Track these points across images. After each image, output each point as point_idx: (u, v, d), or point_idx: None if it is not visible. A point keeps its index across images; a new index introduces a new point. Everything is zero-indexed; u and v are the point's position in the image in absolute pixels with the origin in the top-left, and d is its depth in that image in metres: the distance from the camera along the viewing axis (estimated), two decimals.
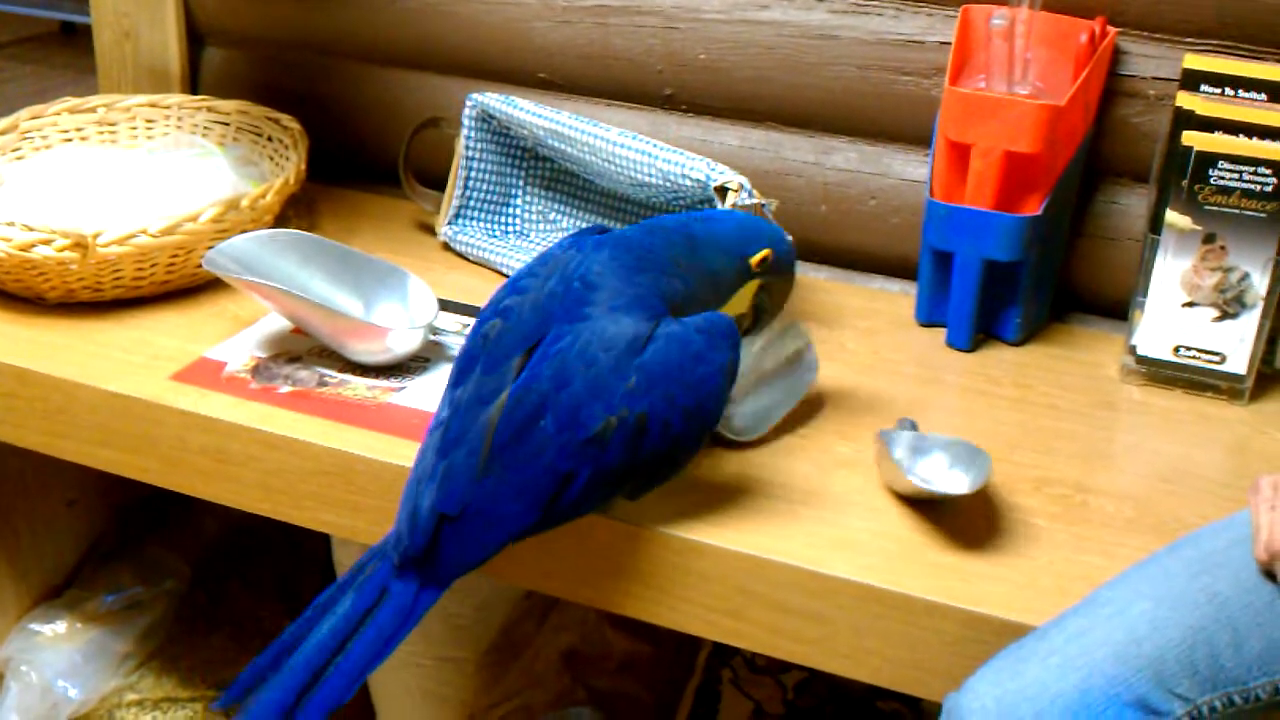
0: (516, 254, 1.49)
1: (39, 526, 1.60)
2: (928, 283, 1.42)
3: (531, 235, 1.57)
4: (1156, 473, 1.19)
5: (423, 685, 1.60)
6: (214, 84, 1.78)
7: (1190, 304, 1.30)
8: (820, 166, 1.53)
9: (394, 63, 1.69)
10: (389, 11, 1.66)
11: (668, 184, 1.36)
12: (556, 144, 1.45)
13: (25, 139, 1.58)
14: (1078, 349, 1.40)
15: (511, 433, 1.01)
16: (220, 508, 1.29)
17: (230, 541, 1.74)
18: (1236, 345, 1.29)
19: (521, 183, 1.57)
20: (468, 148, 1.52)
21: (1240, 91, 1.28)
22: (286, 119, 1.59)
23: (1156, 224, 1.30)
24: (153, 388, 1.25)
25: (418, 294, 1.34)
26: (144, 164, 1.54)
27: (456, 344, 1.34)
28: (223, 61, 1.78)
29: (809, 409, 1.25)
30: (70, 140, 1.61)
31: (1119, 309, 1.41)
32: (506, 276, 1.48)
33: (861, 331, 1.41)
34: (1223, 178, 1.25)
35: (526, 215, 1.58)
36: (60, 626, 1.56)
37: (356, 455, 1.17)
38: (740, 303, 1.15)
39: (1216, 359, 1.30)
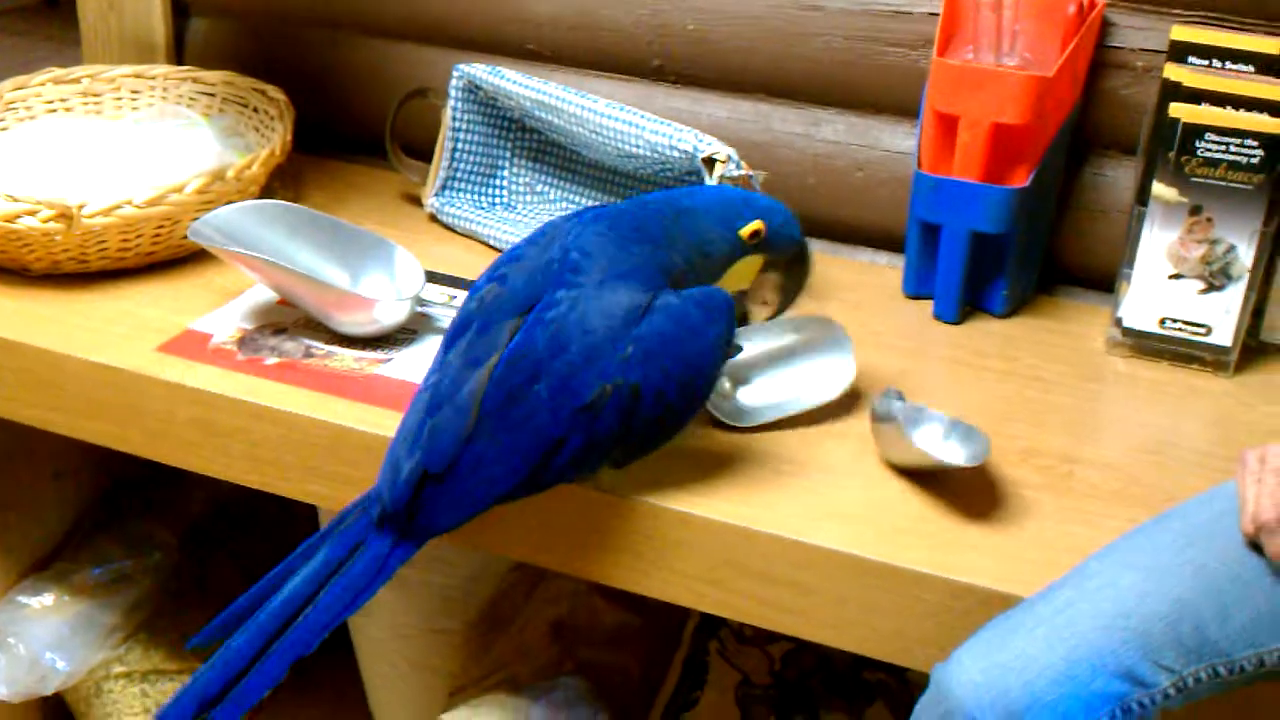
0: (504, 225, 1.48)
1: (26, 499, 1.60)
2: (915, 255, 1.42)
3: (519, 207, 1.57)
4: (1142, 444, 1.20)
5: (410, 657, 1.60)
6: (199, 55, 1.77)
7: (1176, 276, 1.30)
8: (809, 138, 1.52)
9: (380, 33, 1.68)
10: None
11: (655, 155, 1.36)
12: (544, 115, 1.44)
13: (9, 110, 1.57)
14: (1065, 321, 1.40)
15: (504, 396, 1.01)
16: (207, 479, 1.29)
17: (217, 513, 1.74)
18: (1222, 317, 1.29)
19: (509, 154, 1.57)
20: (454, 119, 1.51)
21: (1227, 63, 1.28)
22: (272, 90, 1.58)
23: (1143, 196, 1.30)
24: (139, 359, 1.25)
25: (404, 266, 1.34)
26: (129, 135, 1.53)
27: (444, 315, 1.33)
28: (208, 32, 1.77)
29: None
30: (55, 111, 1.60)
31: (1106, 281, 1.41)
32: (494, 248, 1.48)
33: (849, 304, 1.41)
34: (1210, 150, 1.25)
35: (514, 187, 1.57)
36: (48, 599, 1.56)
37: (343, 426, 1.17)
38: (740, 279, 1.15)
39: (1202, 331, 1.30)
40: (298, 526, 1.72)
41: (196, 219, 1.30)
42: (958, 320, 1.39)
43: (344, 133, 1.72)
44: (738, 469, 1.13)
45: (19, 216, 1.30)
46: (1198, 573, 0.93)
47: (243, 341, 1.28)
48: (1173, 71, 1.28)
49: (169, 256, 1.41)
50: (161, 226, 1.37)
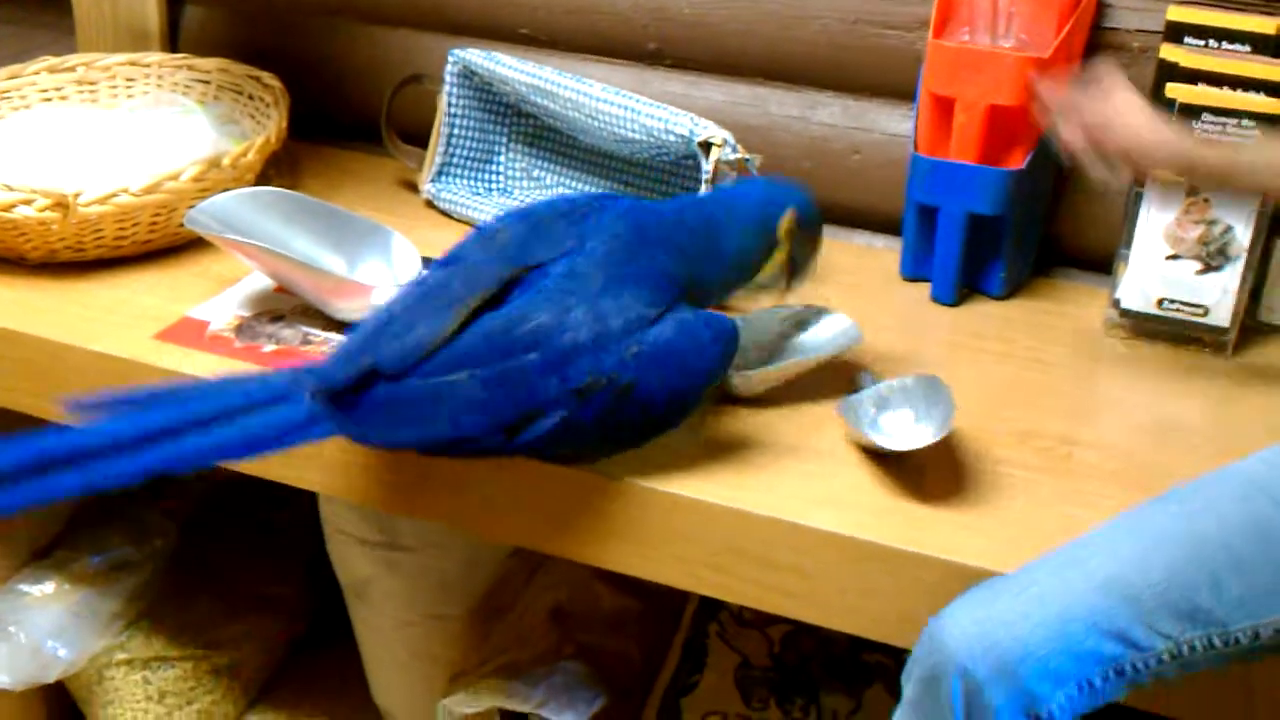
0: (500, 210, 1.48)
1: None
2: (912, 237, 1.42)
3: (515, 192, 1.57)
4: (1140, 425, 1.20)
5: (411, 644, 1.60)
6: (194, 42, 1.76)
7: (1174, 257, 1.30)
8: (805, 121, 1.52)
9: (376, 19, 1.68)
10: None
11: (651, 140, 1.35)
12: (540, 100, 1.44)
13: (4, 99, 1.57)
14: (1062, 303, 1.40)
15: (493, 349, 1.01)
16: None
17: (218, 501, 1.74)
18: (1220, 298, 1.29)
19: (505, 139, 1.56)
20: (450, 104, 1.51)
21: (1224, 44, 1.28)
22: (267, 77, 1.57)
23: (1140, 177, 1.30)
24: (136, 347, 1.25)
25: (401, 252, 1.34)
26: (124, 123, 1.53)
27: None
28: (203, 19, 1.77)
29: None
30: (50, 100, 1.60)
31: (1103, 263, 1.41)
32: None
33: (846, 287, 1.41)
34: (1207, 130, 1.25)
35: (510, 172, 1.57)
36: (49, 587, 1.56)
37: None
38: (771, 266, 1.16)
39: (1200, 312, 1.30)
40: (296, 513, 1.72)
41: (193, 207, 1.30)
42: (955, 302, 1.39)
43: (340, 119, 1.71)
44: (735, 453, 1.13)
45: (15, 206, 1.30)
46: (1195, 544, 0.94)
47: (240, 329, 1.28)
48: (1169, 52, 1.28)
49: (166, 244, 1.41)
50: (158, 214, 1.37)
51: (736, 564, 1.08)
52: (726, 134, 1.31)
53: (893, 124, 1.49)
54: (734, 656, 1.47)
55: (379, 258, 1.34)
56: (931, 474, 1.11)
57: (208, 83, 1.62)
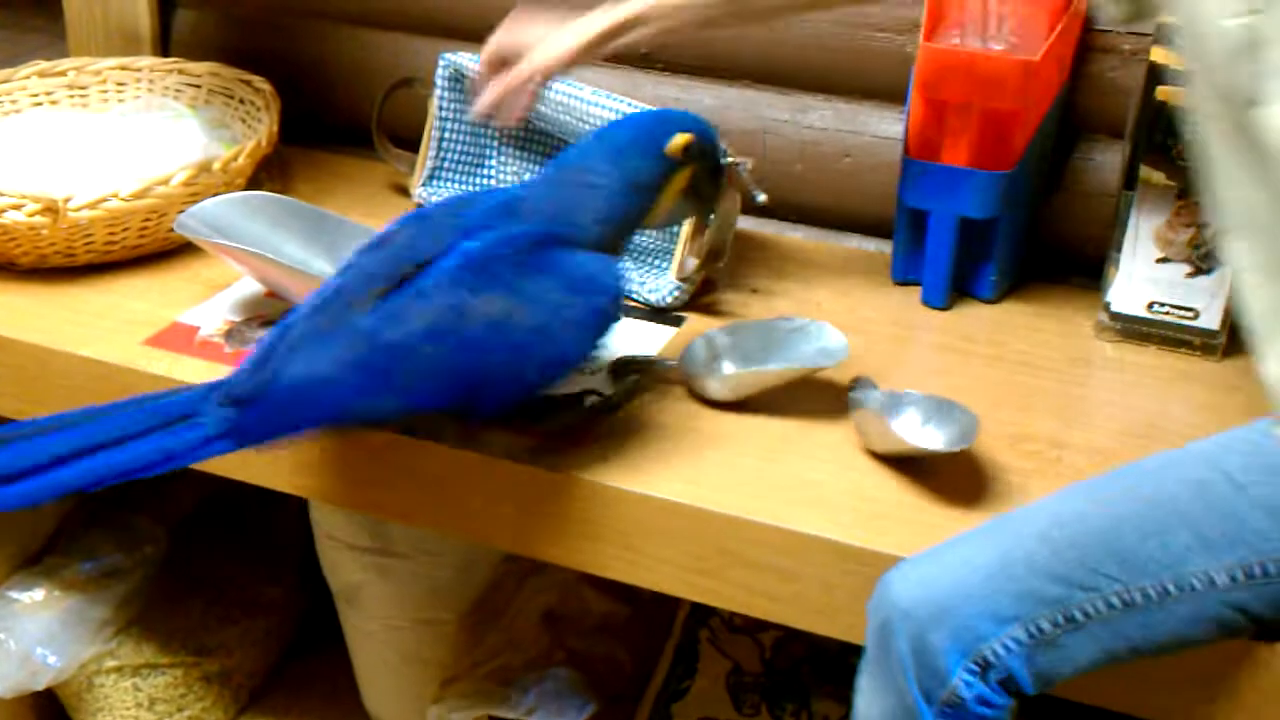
0: None
1: None
2: (903, 241, 1.41)
3: None
4: (1131, 429, 1.20)
5: (402, 648, 1.60)
6: (185, 46, 1.76)
7: (1164, 260, 1.30)
8: (796, 125, 1.52)
9: (366, 23, 1.68)
10: None
11: None
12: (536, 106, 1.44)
13: None
14: (1053, 306, 1.40)
15: (388, 305, 1.04)
16: (196, 472, 1.28)
17: (207, 507, 1.73)
18: (1210, 301, 1.29)
19: (496, 143, 1.56)
20: (441, 108, 1.51)
21: None
22: (258, 81, 1.57)
23: (1131, 180, 1.30)
24: (126, 352, 1.25)
25: None
26: (115, 127, 1.52)
27: None
28: (194, 23, 1.76)
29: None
30: (40, 104, 1.60)
31: (1094, 266, 1.41)
32: None
33: (837, 291, 1.41)
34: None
35: (501, 176, 1.57)
36: (38, 594, 1.56)
37: None
38: (669, 196, 1.13)
39: (1190, 315, 1.30)
40: (286, 519, 1.72)
41: (183, 211, 1.30)
42: (946, 306, 1.39)
43: (331, 123, 1.71)
44: (724, 458, 1.13)
45: (5, 210, 1.29)
46: (1141, 499, 0.94)
47: (229, 334, 1.28)
48: (1160, 54, 1.28)
49: (156, 249, 1.41)
50: (148, 219, 1.37)
51: (726, 569, 1.08)
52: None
53: (884, 127, 1.49)
54: (725, 662, 1.47)
55: None
56: (921, 478, 1.10)
57: (199, 87, 1.61)
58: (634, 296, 1.37)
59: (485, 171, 1.56)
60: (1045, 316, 1.38)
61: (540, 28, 1.24)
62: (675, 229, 1.34)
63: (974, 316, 1.38)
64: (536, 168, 1.56)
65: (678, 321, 1.34)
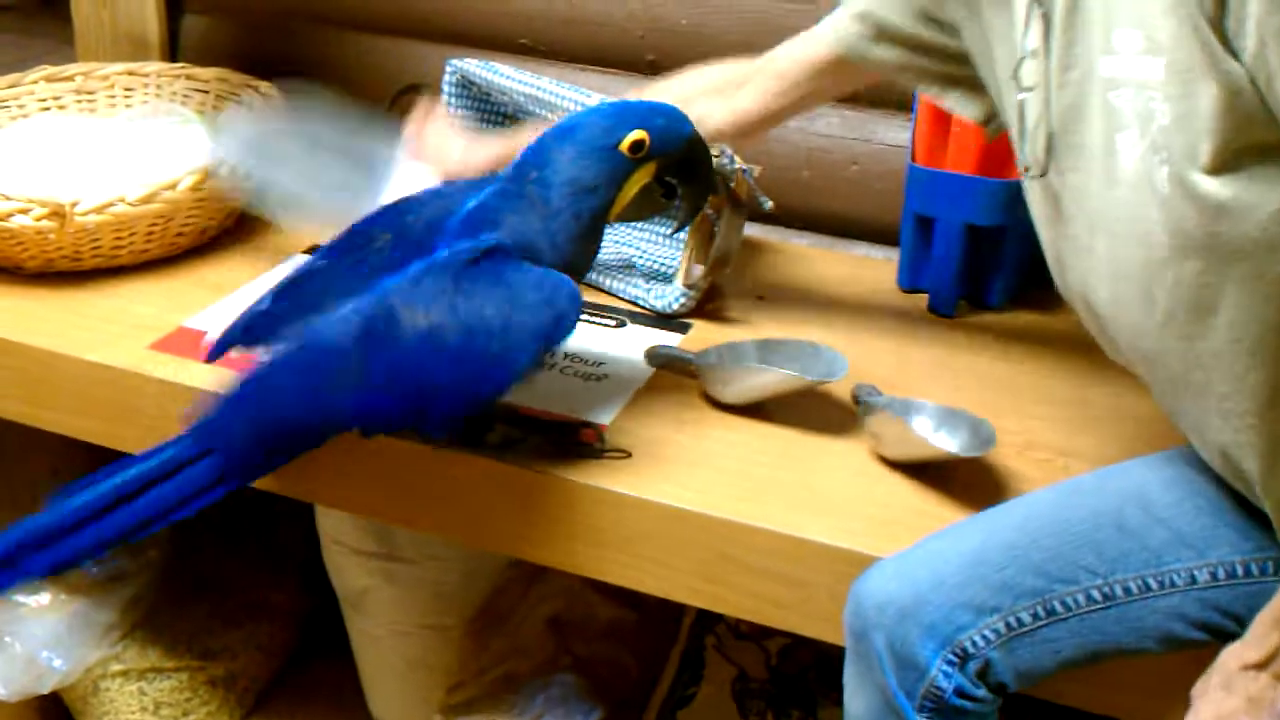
0: None
1: (22, 497, 1.59)
2: (910, 248, 1.41)
3: None
4: (1139, 436, 1.19)
5: (407, 653, 1.60)
6: (193, 51, 1.76)
7: None
8: (803, 132, 1.52)
9: (373, 28, 1.68)
10: None
11: None
12: (537, 110, 1.44)
13: (3, 108, 1.57)
14: (1060, 314, 1.40)
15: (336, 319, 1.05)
16: None
17: (214, 512, 1.73)
18: None
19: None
20: (448, 114, 1.51)
21: None
22: (266, 86, 1.57)
23: None
24: (132, 357, 1.25)
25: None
26: (122, 133, 1.53)
27: None
28: (202, 29, 1.77)
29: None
30: (48, 109, 1.60)
31: None
32: None
33: (844, 298, 1.41)
34: None
35: None
36: (44, 597, 1.56)
37: None
38: (630, 190, 1.10)
39: None
40: (292, 524, 1.72)
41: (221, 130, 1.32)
42: (953, 314, 1.39)
43: None
44: (731, 464, 1.13)
45: (12, 215, 1.30)
46: (1117, 494, 0.95)
47: None
48: None
49: (162, 254, 1.41)
50: (155, 224, 1.37)
51: (733, 575, 1.08)
52: (724, 145, 1.31)
53: (891, 134, 1.49)
54: (731, 669, 1.46)
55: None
56: (928, 485, 1.10)
57: (206, 92, 1.62)
58: (640, 303, 1.37)
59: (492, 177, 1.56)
60: (1053, 324, 1.38)
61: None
62: (680, 236, 1.34)
63: (981, 324, 1.38)
64: None
65: (684, 328, 1.34)
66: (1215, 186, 0.81)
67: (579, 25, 1.57)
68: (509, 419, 1.14)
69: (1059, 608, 0.91)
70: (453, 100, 1.50)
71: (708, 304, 1.37)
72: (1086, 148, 0.90)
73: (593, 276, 1.40)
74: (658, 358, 1.26)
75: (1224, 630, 0.94)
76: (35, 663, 1.52)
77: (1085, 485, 0.98)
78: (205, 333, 1.29)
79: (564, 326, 1.05)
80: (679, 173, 1.12)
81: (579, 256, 1.10)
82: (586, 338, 1.31)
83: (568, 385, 1.23)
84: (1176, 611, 0.93)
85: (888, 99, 1.48)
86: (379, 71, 1.67)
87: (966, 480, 1.11)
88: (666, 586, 1.11)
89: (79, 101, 1.61)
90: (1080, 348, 1.33)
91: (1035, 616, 0.90)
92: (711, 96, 1.20)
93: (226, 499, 1.12)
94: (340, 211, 1.20)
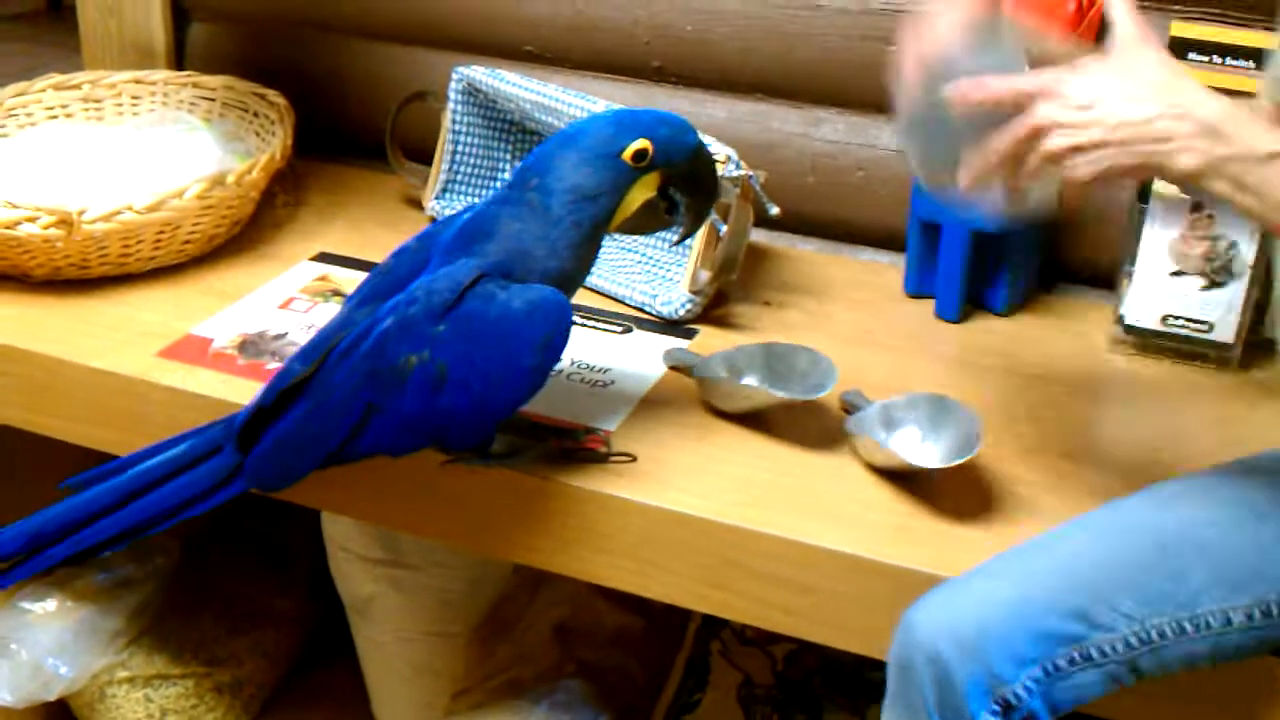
0: None
1: (28, 504, 1.60)
2: (916, 254, 1.41)
3: None
4: (1145, 442, 1.19)
5: (413, 660, 1.60)
6: (199, 59, 1.77)
7: (1178, 273, 1.30)
8: (808, 138, 1.52)
9: (380, 36, 1.68)
10: None
11: None
12: (543, 117, 1.44)
13: (10, 116, 1.58)
14: (1066, 319, 1.40)
15: (335, 358, 1.05)
16: None
17: (219, 519, 1.73)
18: (1224, 314, 1.29)
19: (509, 156, 1.57)
20: (454, 121, 1.51)
21: (1228, 59, 1.28)
22: (272, 94, 1.58)
23: (1144, 193, 1.30)
24: (139, 364, 1.25)
25: None
26: (129, 140, 1.53)
27: None
28: (208, 37, 1.77)
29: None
30: (55, 117, 1.60)
31: (1107, 279, 1.40)
32: None
33: (850, 304, 1.41)
34: None
35: None
36: (50, 604, 1.56)
37: None
38: (633, 201, 1.09)
39: (1204, 328, 1.30)
40: (298, 531, 1.72)
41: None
42: (959, 319, 1.39)
43: (345, 136, 1.72)
44: (736, 470, 1.13)
45: (20, 223, 1.30)
46: (1159, 531, 0.94)
47: (243, 346, 1.29)
48: None
49: (170, 262, 1.41)
50: (162, 232, 1.37)
51: (738, 581, 1.08)
52: (729, 150, 1.31)
53: (896, 140, 1.49)
54: (736, 674, 1.46)
55: None
56: (935, 491, 1.10)
57: (213, 100, 1.62)
58: (646, 309, 1.37)
59: (498, 184, 1.56)
60: (1059, 330, 1.38)
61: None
62: (687, 244, 1.34)
63: (987, 329, 1.38)
64: None
65: (690, 334, 1.34)
66: None
67: (585, 32, 1.57)
68: (514, 428, 1.15)
69: (1095, 654, 0.91)
70: (458, 108, 1.50)
71: (714, 310, 1.37)
72: None
73: (598, 282, 1.40)
74: (672, 355, 1.27)
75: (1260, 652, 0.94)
76: (41, 669, 1.52)
77: (1129, 521, 0.96)
78: (212, 340, 1.29)
79: (555, 346, 1.06)
80: (684, 184, 1.11)
81: (576, 265, 1.10)
82: (592, 344, 1.31)
83: (573, 391, 1.23)
84: (1211, 651, 0.93)
85: (893, 104, 1.48)
86: (385, 79, 1.68)
87: (971, 485, 1.11)
88: (672, 592, 1.12)
89: (86, 110, 1.62)
90: (1086, 352, 1.34)
91: (1071, 662, 0.91)
92: None
93: (233, 507, 1.12)
94: None
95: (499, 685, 1.45)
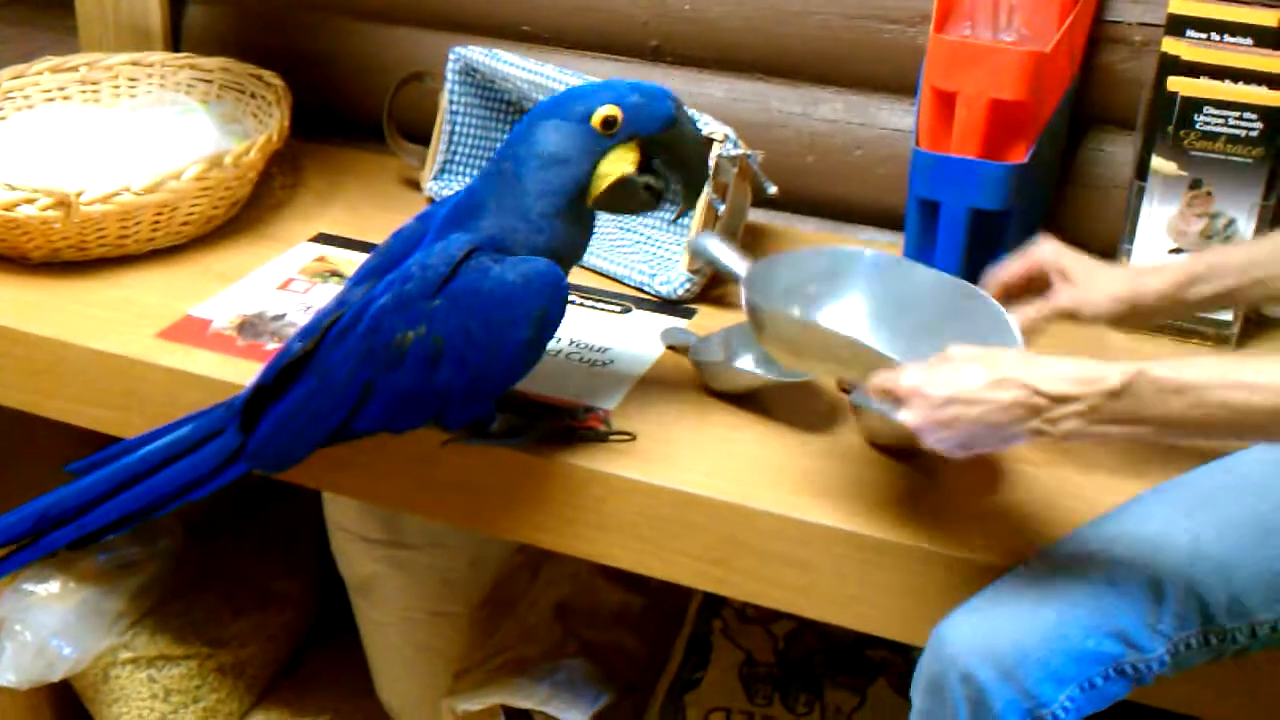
0: None
1: (31, 486, 1.60)
2: (915, 233, 1.41)
3: None
4: None
5: (415, 639, 1.60)
6: (196, 41, 1.76)
7: (1177, 250, 1.30)
8: (807, 117, 1.52)
9: (377, 17, 1.68)
10: None
11: None
12: (541, 97, 1.43)
13: (7, 99, 1.57)
14: None
15: (333, 336, 1.06)
16: None
17: (222, 500, 1.73)
18: None
19: (506, 137, 1.56)
20: (452, 102, 1.51)
21: (1226, 36, 1.28)
22: (269, 75, 1.57)
23: (1143, 170, 1.30)
24: (139, 346, 1.25)
25: None
26: (127, 122, 1.53)
27: None
28: (205, 18, 1.77)
29: None
30: (52, 100, 1.60)
31: (1106, 256, 1.40)
32: None
33: None
34: (1208, 123, 1.24)
35: None
36: (54, 586, 1.57)
37: None
38: (607, 175, 1.07)
39: None
40: (300, 512, 1.72)
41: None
42: None
43: (342, 118, 1.71)
44: (737, 449, 1.13)
45: (17, 205, 1.30)
46: (1191, 543, 0.94)
47: (242, 327, 1.29)
48: (1171, 45, 1.28)
49: (168, 243, 1.41)
50: (160, 213, 1.37)
51: (739, 559, 1.08)
52: (728, 130, 1.31)
53: (894, 119, 1.49)
54: (738, 653, 1.47)
55: None
56: (934, 469, 1.10)
57: (210, 82, 1.62)
58: (645, 289, 1.37)
59: None
60: None
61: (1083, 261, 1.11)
62: (685, 221, 1.34)
63: None
64: None
65: (689, 313, 1.34)
66: None
67: (582, 12, 1.57)
68: (513, 406, 1.15)
69: (1129, 671, 0.92)
70: (456, 89, 1.50)
71: (712, 289, 1.37)
72: None
73: (596, 262, 1.40)
74: (670, 335, 1.27)
75: None
76: (46, 651, 1.53)
77: (1161, 531, 0.96)
78: (211, 321, 1.29)
79: (551, 319, 1.06)
80: (666, 158, 1.09)
81: (563, 239, 1.08)
82: (591, 324, 1.31)
83: (573, 371, 1.23)
84: (1234, 655, 0.94)
85: (890, 83, 1.48)
86: (382, 60, 1.67)
87: (972, 463, 1.10)
88: (673, 571, 1.12)
89: (83, 92, 1.61)
90: (1086, 331, 1.33)
91: (1106, 678, 0.91)
92: None
93: (236, 489, 1.12)
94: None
95: (501, 664, 1.45)
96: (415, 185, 1.57)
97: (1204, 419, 0.84)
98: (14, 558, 1.11)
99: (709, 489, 1.08)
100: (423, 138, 1.55)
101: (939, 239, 1.37)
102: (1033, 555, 0.98)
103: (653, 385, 1.22)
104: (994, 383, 0.88)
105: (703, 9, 1.52)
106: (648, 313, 1.34)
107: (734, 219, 1.32)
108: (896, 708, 1.40)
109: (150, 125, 1.51)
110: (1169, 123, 1.25)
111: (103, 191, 1.32)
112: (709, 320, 1.32)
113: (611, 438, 1.14)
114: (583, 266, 1.37)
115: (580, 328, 1.30)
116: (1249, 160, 1.24)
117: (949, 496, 1.08)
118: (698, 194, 1.15)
